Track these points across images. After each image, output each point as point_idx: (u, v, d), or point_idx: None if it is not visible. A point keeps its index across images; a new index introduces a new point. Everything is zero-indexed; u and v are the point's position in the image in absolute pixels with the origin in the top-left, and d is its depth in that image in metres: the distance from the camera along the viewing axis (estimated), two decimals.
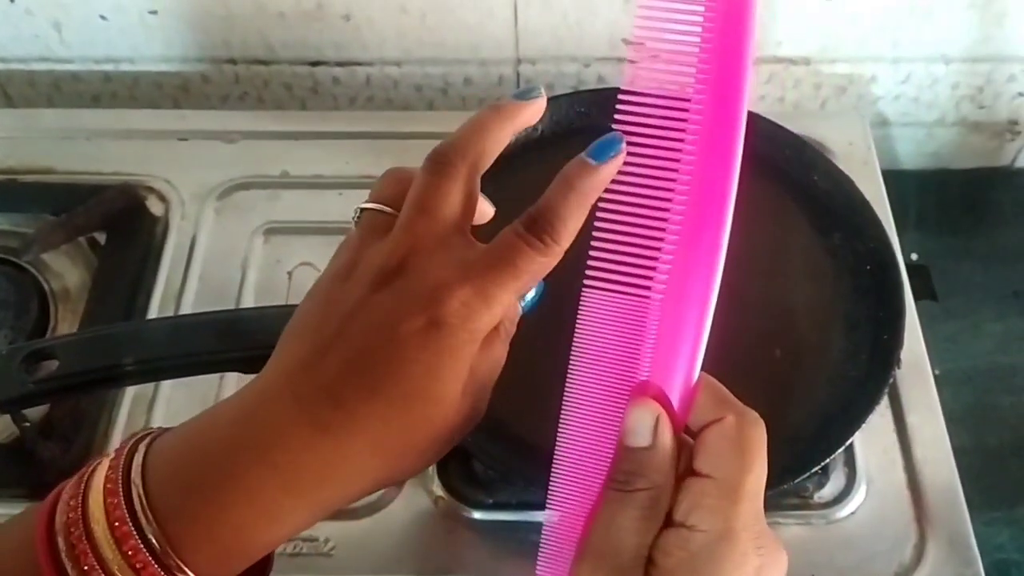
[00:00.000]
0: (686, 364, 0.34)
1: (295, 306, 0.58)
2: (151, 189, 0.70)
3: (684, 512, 0.33)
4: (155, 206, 0.69)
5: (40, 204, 0.68)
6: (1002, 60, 0.77)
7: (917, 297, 0.65)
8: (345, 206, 0.68)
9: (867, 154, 0.71)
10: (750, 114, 0.35)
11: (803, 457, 0.50)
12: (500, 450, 0.52)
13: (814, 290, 0.58)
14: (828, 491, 0.56)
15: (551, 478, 0.36)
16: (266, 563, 0.36)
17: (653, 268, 0.34)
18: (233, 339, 0.52)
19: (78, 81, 0.82)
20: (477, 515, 0.55)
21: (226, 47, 0.79)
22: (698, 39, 0.34)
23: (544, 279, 0.37)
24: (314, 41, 0.78)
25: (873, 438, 0.57)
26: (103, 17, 0.76)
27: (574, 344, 0.36)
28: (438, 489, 0.56)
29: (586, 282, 0.36)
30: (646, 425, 0.34)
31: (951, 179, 0.86)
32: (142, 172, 0.71)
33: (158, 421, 0.59)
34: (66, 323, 0.63)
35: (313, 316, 0.36)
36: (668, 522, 0.33)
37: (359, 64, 0.80)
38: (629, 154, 0.35)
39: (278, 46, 0.78)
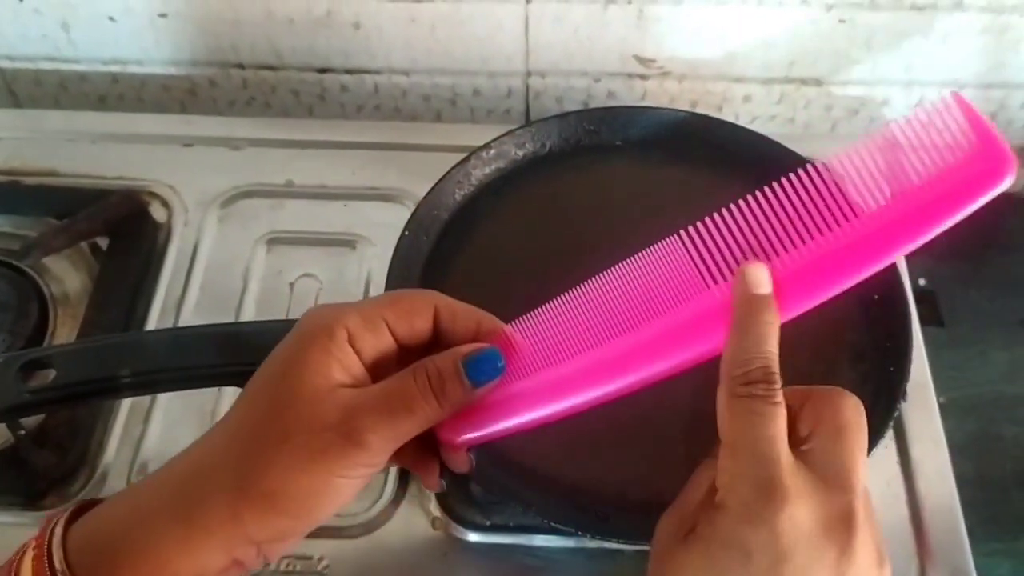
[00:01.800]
0: None
1: (295, 320, 0.57)
2: (155, 195, 0.70)
3: (808, 426, 0.35)
4: (158, 212, 0.69)
5: (43, 207, 0.68)
6: (1016, 87, 0.77)
7: (923, 323, 0.64)
8: (350, 218, 0.68)
9: None
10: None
11: None
12: (498, 472, 0.52)
13: (820, 319, 0.57)
14: None
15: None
16: None
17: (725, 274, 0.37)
18: (232, 353, 0.51)
19: (85, 82, 0.81)
20: (473, 537, 0.55)
21: (234, 52, 0.78)
22: (921, 173, 0.36)
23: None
24: (323, 48, 0.77)
25: (876, 470, 0.57)
26: (112, 19, 0.76)
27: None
28: (435, 509, 0.55)
29: (682, 235, 0.39)
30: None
31: None
32: (146, 177, 0.70)
33: (154, 432, 0.58)
34: (65, 328, 0.63)
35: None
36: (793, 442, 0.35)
37: (367, 72, 0.79)
38: (793, 198, 0.37)
39: (287, 52, 0.78)
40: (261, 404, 0.36)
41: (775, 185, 0.38)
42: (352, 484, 0.36)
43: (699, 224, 0.38)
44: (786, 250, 0.37)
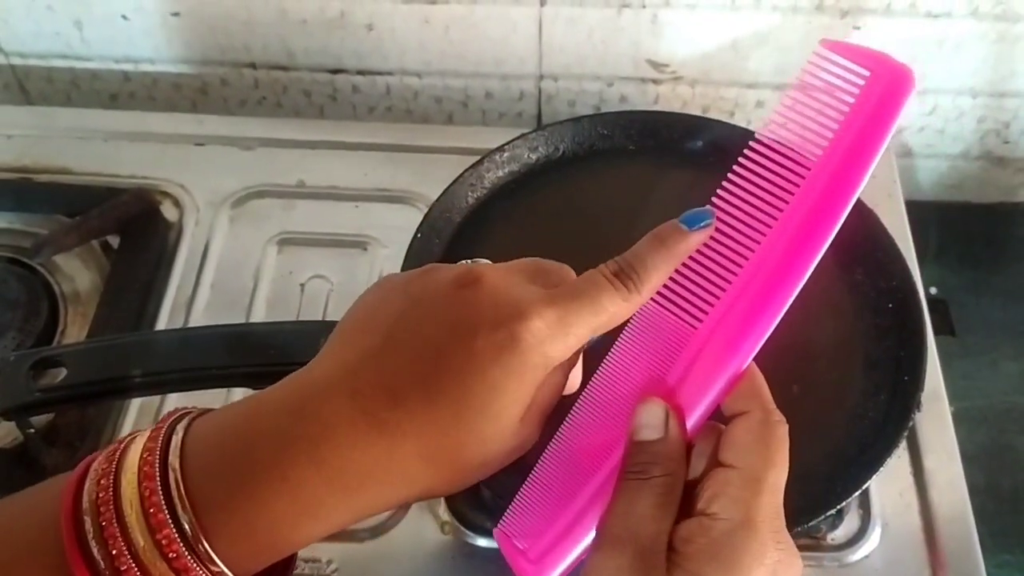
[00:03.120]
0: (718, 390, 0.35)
1: (308, 322, 0.58)
2: (166, 194, 0.70)
3: (707, 500, 0.33)
4: (169, 211, 0.69)
5: (54, 205, 0.68)
6: None
7: (935, 332, 0.63)
8: (361, 219, 0.68)
9: (892, 187, 0.70)
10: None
11: (818, 498, 0.49)
12: (509, 478, 0.51)
13: (834, 327, 0.57)
14: (841, 533, 0.55)
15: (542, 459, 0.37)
16: (291, 557, 0.35)
17: (711, 305, 0.36)
18: (243, 354, 0.51)
19: (96, 80, 0.81)
20: (483, 542, 0.54)
21: (247, 51, 0.78)
22: (844, 110, 0.36)
23: None
24: (335, 49, 0.77)
25: (889, 480, 0.56)
26: (125, 17, 0.76)
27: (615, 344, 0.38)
28: (444, 514, 0.55)
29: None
30: (657, 418, 0.35)
31: (973, 213, 0.85)
32: (158, 176, 0.70)
33: None
34: (75, 326, 0.63)
35: (381, 308, 0.36)
36: (690, 511, 0.33)
37: (379, 73, 0.79)
38: (731, 192, 0.37)
39: (299, 53, 0.78)
40: (446, 399, 0.33)
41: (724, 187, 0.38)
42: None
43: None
44: (763, 234, 0.36)
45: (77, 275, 0.65)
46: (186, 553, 0.30)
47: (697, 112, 0.79)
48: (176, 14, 0.75)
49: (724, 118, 0.69)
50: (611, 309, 0.35)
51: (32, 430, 0.54)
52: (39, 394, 0.49)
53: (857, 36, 0.72)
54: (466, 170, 0.62)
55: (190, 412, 0.34)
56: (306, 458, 0.32)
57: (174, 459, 0.31)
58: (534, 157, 0.64)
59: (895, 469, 0.57)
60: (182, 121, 0.75)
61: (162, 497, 0.30)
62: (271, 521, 0.32)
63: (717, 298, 0.36)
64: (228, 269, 0.66)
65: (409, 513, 0.55)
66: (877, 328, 0.57)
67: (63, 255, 0.65)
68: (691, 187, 0.65)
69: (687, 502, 0.34)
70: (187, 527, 0.30)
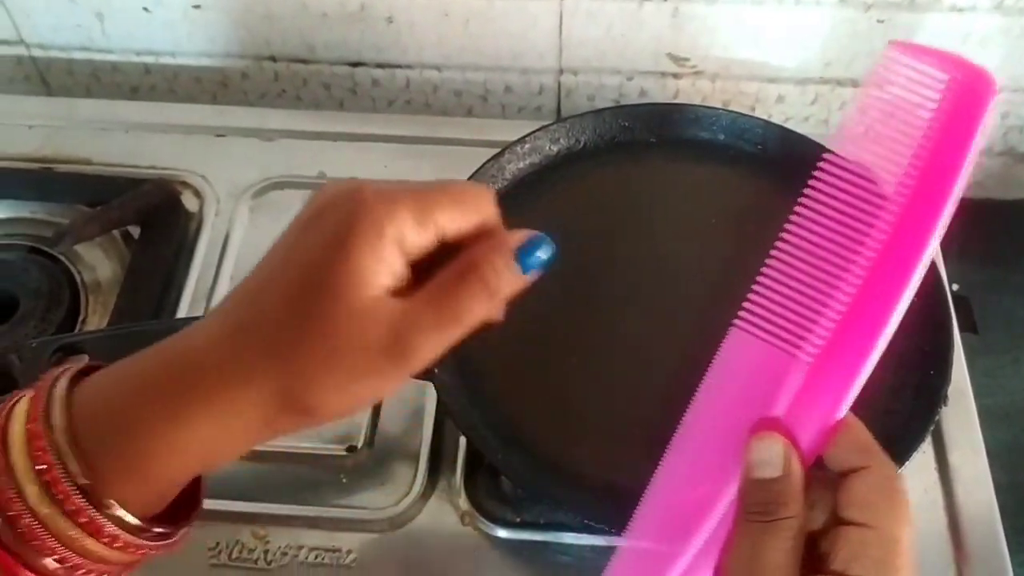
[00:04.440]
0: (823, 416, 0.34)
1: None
2: (187, 185, 0.70)
3: (844, 561, 0.31)
4: (190, 202, 0.69)
5: (75, 195, 0.68)
6: None
7: (959, 329, 0.63)
8: None
9: None
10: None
11: None
12: (529, 468, 0.51)
13: None
14: None
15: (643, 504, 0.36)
16: (197, 496, 0.36)
17: (809, 331, 0.34)
18: None
19: (117, 72, 0.82)
20: (503, 533, 0.54)
21: (267, 45, 0.78)
22: (924, 122, 0.34)
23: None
24: (355, 42, 0.77)
25: (914, 476, 0.56)
26: (146, 9, 0.76)
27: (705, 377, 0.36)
28: (464, 504, 0.55)
29: (738, 323, 0.36)
30: (777, 454, 0.33)
31: (995, 209, 0.84)
32: (179, 167, 0.71)
33: None
34: (96, 316, 0.63)
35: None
36: (821, 569, 0.32)
37: (399, 67, 0.79)
38: (820, 214, 0.35)
39: (319, 46, 0.78)
40: (300, 303, 0.32)
41: (803, 207, 0.35)
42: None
43: (751, 297, 0.36)
44: (846, 270, 0.34)
45: (98, 265, 0.66)
46: (75, 493, 0.31)
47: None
48: (197, 7, 0.75)
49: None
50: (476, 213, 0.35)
51: None
52: None
53: (881, 29, 0.72)
54: (487, 161, 0.62)
55: (73, 367, 0.35)
56: (179, 385, 0.33)
57: (59, 407, 0.32)
58: (555, 149, 0.64)
59: (921, 465, 0.56)
60: (203, 112, 0.75)
61: (47, 442, 0.31)
62: (154, 455, 0.32)
63: (810, 331, 0.34)
64: (248, 260, 0.65)
65: (428, 504, 0.55)
66: (903, 324, 0.56)
67: (84, 245, 0.66)
68: (713, 179, 0.64)
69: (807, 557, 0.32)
70: (73, 468, 0.31)
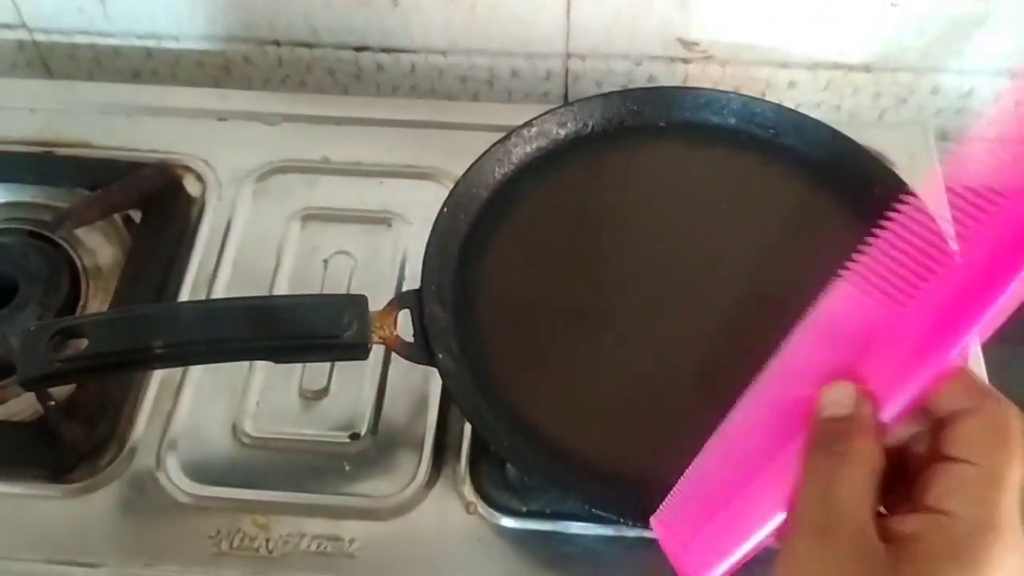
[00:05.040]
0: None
1: (330, 296, 0.57)
2: (189, 169, 0.69)
3: (939, 496, 0.31)
4: (192, 186, 0.68)
5: (76, 178, 0.67)
6: None
7: None
8: (385, 195, 0.67)
9: (932, 169, 0.68)
10: None
11: None
12: (536, 456, 0.50)
13: None
14: None
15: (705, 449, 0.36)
16: None
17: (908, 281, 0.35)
18: (265, 327, 0.50)
19: (119, 56, 0.81)
20: (509, 523, 0.53)
21: (270, 29, 0.77)
22: None
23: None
24: (360, 26, 0.76)
25: None
26: None
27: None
28: (469, 493, 0.54)
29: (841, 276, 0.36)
30: (847, 395, 0.34)
31: None
32: (180, 151, 0.70)
33: (184, 408, 0.57)
34: (97, 300, 0.62)
35: None
36: (917, 506, 0.32)
37: (404, 52, 0.78)
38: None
39: (323, 30, 0.77)
40: None
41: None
42: None
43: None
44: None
45: (99, 249, 0.65)
46: None
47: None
48: None
49: None
50: None
51: (52, 402, 0.53)
52: (59, 364, 0.48)
53: (894, 13, 0.70)
54: (493, 145, 0.61)
55: None
56: None
57: None
58: (562, 133, 0.63)
59: None
60: (205, 96, 0.74)
61: None
62: None
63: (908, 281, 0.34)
64: (251, 245, 0.65)
65: (433, 492, 0.54)
66: None
67: (85, 229, 0.65)
68: (723, 164, 0.63)
69: (899, 495, 0.33)
70: None
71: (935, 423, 0.34)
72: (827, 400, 0.34)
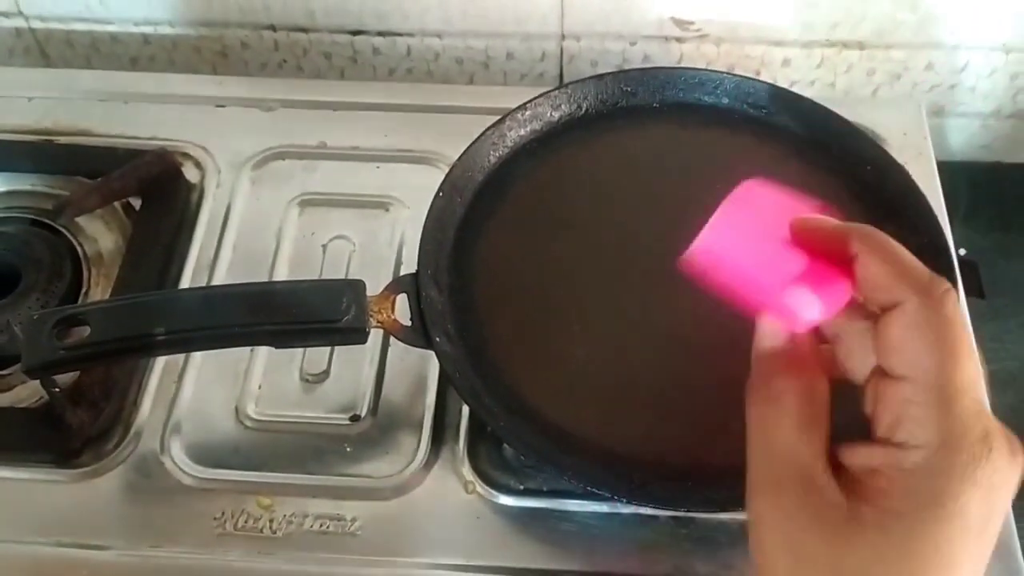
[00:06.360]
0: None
1: (328, 280, 0.58)
2: (187, 156, 0.69)
3: (888, 427, 0.28)
4: (191, 173, 0.68)
5: (76, 167, 0.67)
6: None
7: (964, 294, 0.62)
8: (382, 179, 0.68)
9: (923, 144, 0.68)
10: None
11: None
12: (532, 435, 0.51)
13: None
14: None
15: None
16: None
17: None
18: (265, 312, 0.51)
19: (117, 43, 0.81)
20: (506, 501, 0.54)
21: (267, 13, 0.77)
22: None
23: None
24: (355, 10, 0.76)
25: None
26: None
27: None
28: (468, 473, 0.55)
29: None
30: (776, 326, 0.31)
31: (1003, 173, 0.84)
32: (179, 138, 0.70)
33: (187, 392, 0.58)
34: (99, 288, 0.63)
35: None
36: (871, 436, 0.29)
37: (400, 35, 0.78)
38: None
39: (319, 14, 0.77)
40: None
41: None
42: None
43: None
44: None
45: (100, 236, 0.65)
46: None
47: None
48: None
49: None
50: None
51: (57, 389, 0.54)
52: (63, 352, 0.49)
53: None
54: (488, 129, 0.61)
55: None
56: None
57: None
58: (557, 115, 0.63)
59: None
60: (203, 82, 0.75)
61: None
62: None
63: None
64: (250, 230, 0.65)
65: (432, 472, 0.55)
66: None
67: (86, 217, 0.65)
68: (717, 145, 0.64)
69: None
70: None
71: (873, 328, 0.30)
72: (761, 331, 0.31)
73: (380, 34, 0.78)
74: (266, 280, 0.62)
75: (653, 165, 0.63)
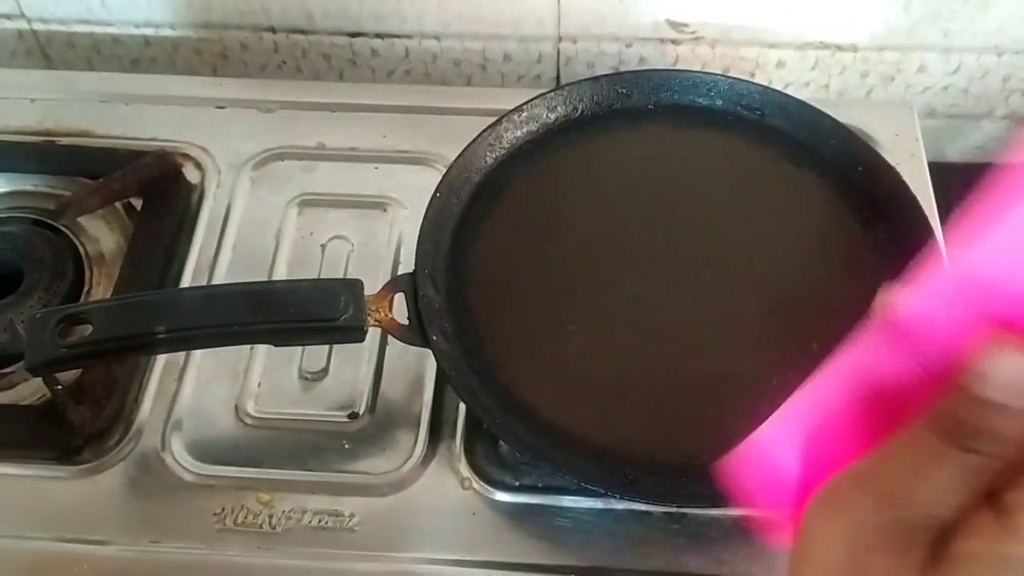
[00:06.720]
0: None
1: (327, 280, 0.58)
2: (188, 156, 0.70)
3: (1016, 500, 0.24)
4: (191, 174, 0.69)
5: (77, 167, 0.68)
6: None
7: None
8: (381, 180, 0.68)
9: (914, 146, 0.69)
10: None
11: None
12: (527, 433, 0.52)
13: (854, 285, 0.57)
14: None
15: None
16: None
17: None
18: (265, 311, 0.52)
19: (118, 45, 0.82)
20: (502, 497, 0.55)
21: (266, 15, 0.78)
22: None
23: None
24: (354, 12, 0.77)
25: None
26: None
27: None
28: (464, 469, 0.56)
29: None
30: (1011, 379, 0.24)
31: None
32: (179, 139, 0.71)
33: (188, 388, 0.59)
34: (101, 287, 0.64)
35: None
36: (987, 499, 0.25)
37: (398, 37, 0.79)
38: None
39: (318, 16, 0.78)
40: None
41: None
42: None
43: None
44: None
45: (102, 237, 0.66)
46: None
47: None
48: None
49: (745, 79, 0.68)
50: None
51: (59, 387, 0.55)
52: (65, 350, 0.50)
53: None
54: (484, 130, 0.62)
55: None
56: None
57: None
58: (552, 117, 0.64)
59: None
60: (203, 84, 0.76)
61: None
62: None
63: None
64: (249, 231, 0.66)
65: (429, 468, 0.56)
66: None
67: (87, 217, 0.66)
68: (711, 147, 0.65)
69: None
70: None
71: None
72: (989, 370, 0.24)
73: (378, 36, 0.79)
74: (265, 279, 0.63)
75: (648, 166, 0.63)
